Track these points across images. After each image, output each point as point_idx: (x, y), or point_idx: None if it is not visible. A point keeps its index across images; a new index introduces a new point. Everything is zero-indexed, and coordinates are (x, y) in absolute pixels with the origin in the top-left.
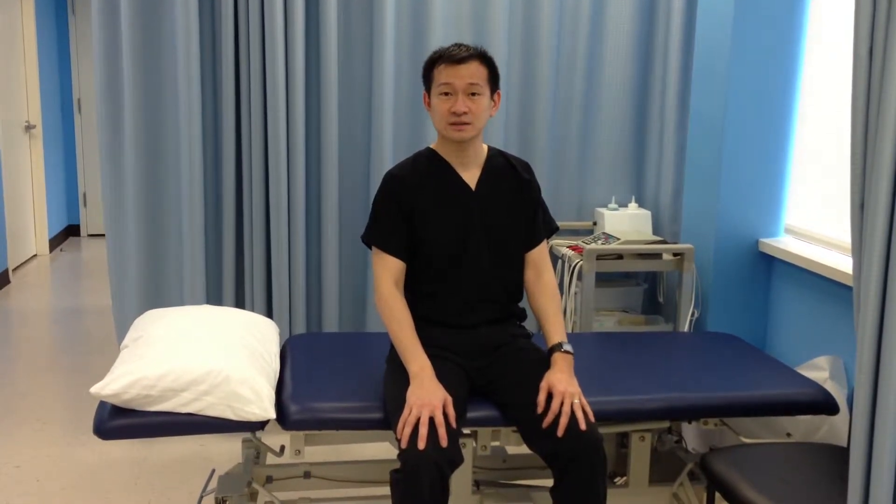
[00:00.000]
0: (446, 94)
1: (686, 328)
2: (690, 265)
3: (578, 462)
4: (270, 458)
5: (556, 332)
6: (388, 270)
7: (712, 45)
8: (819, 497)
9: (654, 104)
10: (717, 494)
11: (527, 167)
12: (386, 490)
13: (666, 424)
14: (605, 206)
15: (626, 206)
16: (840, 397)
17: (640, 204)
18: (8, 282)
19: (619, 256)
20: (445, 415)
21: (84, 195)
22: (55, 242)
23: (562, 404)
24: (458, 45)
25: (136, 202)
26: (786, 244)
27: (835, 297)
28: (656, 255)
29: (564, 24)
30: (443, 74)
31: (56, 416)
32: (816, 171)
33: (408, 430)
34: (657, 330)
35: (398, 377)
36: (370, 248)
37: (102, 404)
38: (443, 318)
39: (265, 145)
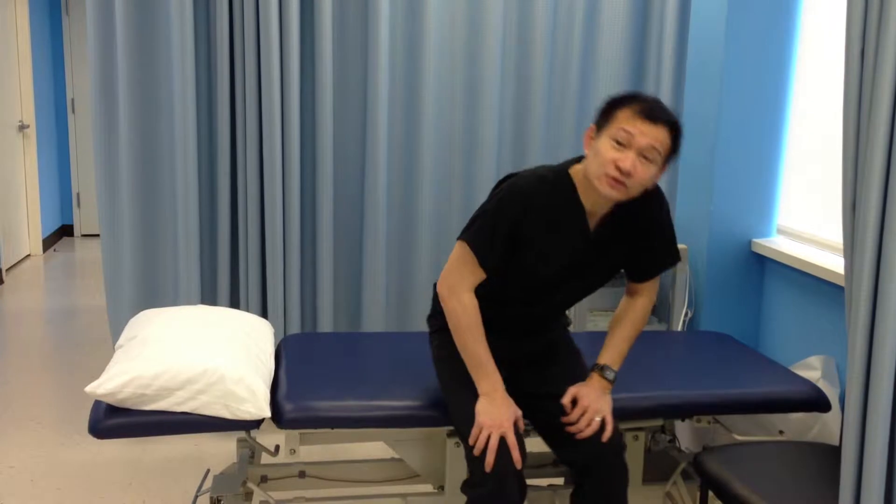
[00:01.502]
0: (620, 143)
1: (679, 328)
2: (684, 265)
3: (598, 469)
4: (265, 458)
5: (611, 355)
6: (473, 276)
7: (705, 46)
8: (811, 495)
9: None
10: (711, 493)
11: (658, 197)
12: (381, 489)
13: (659, 423)
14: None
15: None
16: (832, 397)
17: None
18: (1, 282)
19: None
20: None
21: (78, 195)
22: (49, 242)
23: (583, 416)
24: (657, 102)
25: (131, 202)
26: (778, 244)
27: (827, 297)
28: None
29: (558, 25)
30: (628, 123)
31: (50, 416)
32: (809, 172)
33: (479, 452)
34: (651, 329)
35: (459, 381)
36: (462, 242)
37: (97, 403)
38: (498, 329)
39: (260, 145)
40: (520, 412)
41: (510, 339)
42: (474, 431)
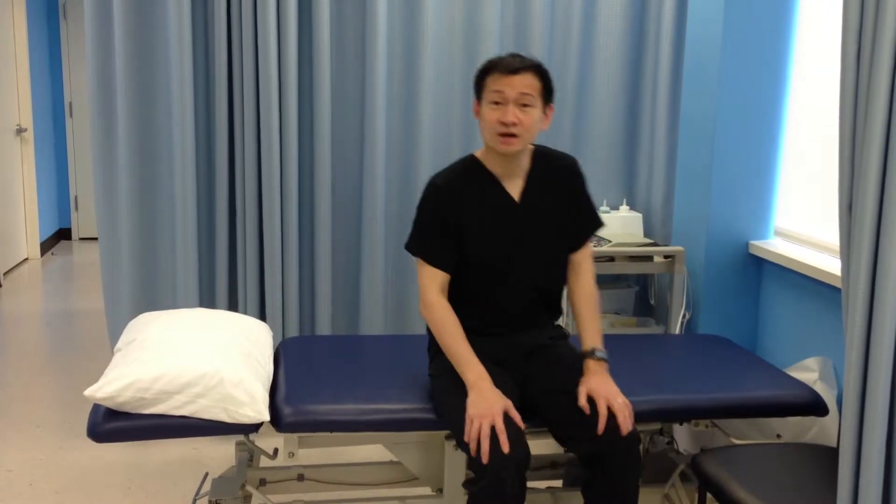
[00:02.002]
0: (497, 103)
1: (677, 330)
2: (681, 267)
3: (614, 460)
4: (264, 461)
5: (590, 336)
6: (434, 280)
7: (702, 48)
8: (809, 497)
9: (644, 108)
10: (709, 495)
11: (573, 165)
12: (379, 492)
13: (657, 426)
14: (596, 208)
15: (617, 208)
16: (830, 398)
17: (632, 207)
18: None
19: (611, 259)
20: (509, 419)
21: (75, 199)
22: (46, 246)
23: (608, 407)
24: (514, 56)
25: (129, 206)
26: (775, 246)
27: (824, 299)
28: (647, 258)
29: (555, 27)
30: (496, 83)
31: (49, 420)
32: (806, 174)
33: (474, 445)
34: (648, 332)
35: (454, 385)
36: (408, 250)
37: (96, 407)
38: (482, 327)
39: (258, 148)
40: (509, 402)
41: (505, 337)
42: (466, 426)
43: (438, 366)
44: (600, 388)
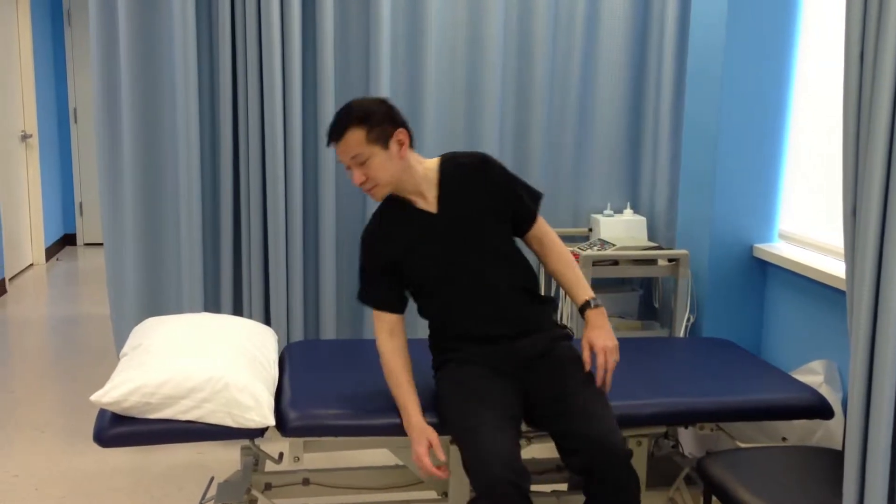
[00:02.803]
0: (348, 167)
1: (682, 333)
2: (686, 271)
3: (608, 477)
4: (269, 466)
5: (580, 291)
6: (383, 324)
7: (706, 51)
8: (815, 500)
9: (648, 111)
10: (714, 498)
11: (482, 160)
12: (384, 496)
13: (662, 429)
14: (600, 212)
15: (621, 212)
16: (835, 401)
17: (636, 210)
18: (5, 291)
19: (615, 262)
20: (493, 437)
21: (80, 204)
22: (51, 252)
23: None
24: (336, 118)
25: (134, 210)
26: (780, 249)
27: (829, 302)
28: (652, 261)
29: (559, 31)
30: (338, 153)
31: (54, 425)
32: (810, 177)
33: (475, 464)
34: (653, 335)
35: (452, 395)
36: (361, 302)
37: (102, 412)
38: (475, 334)
39: (262, 153)
40: (433, 436)
41: (507, 342)
42: (419, 462)
43: (440, 373)
44: (599, 340)
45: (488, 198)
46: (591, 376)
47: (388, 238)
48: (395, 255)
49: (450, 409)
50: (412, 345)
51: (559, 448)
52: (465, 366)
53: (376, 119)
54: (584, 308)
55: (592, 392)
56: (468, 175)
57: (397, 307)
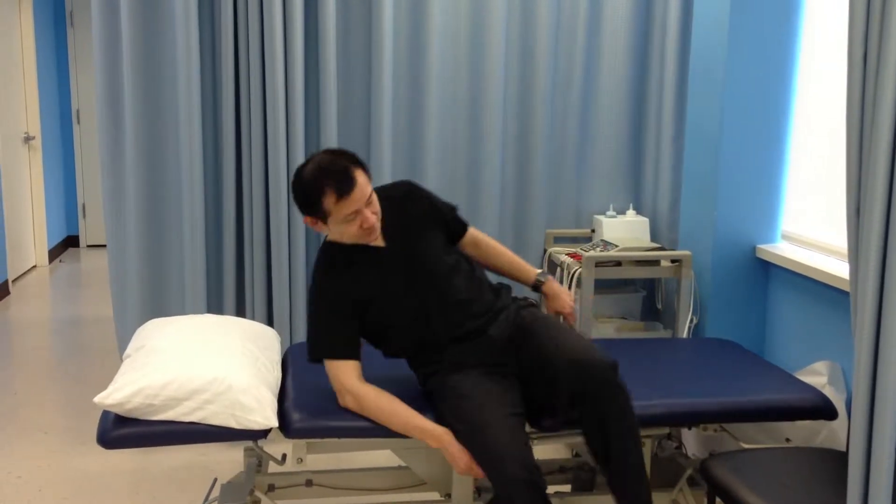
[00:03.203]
0: (354, 215)
1: (685, 334)
2: (688, 272)
3: (593, 390)
4: (272, 467)
5: (525, 272)
6: (352, 371)
7: (708, 53)
8: (818, 501)
9: (651, 112)
10: (718, 500)
11: (408, 188)
12: (388, 497)
13: (666, 430)
14: (603, 213)
15: (624, 213)
16: (839, 402)
17: (638, 211)
18: (8, 293)
19: (618, 263)
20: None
21: (83, 206)
22: (54, 253)
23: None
24: (336, 169)
25: (137, 212)
26: (783, 250)
27: (832, 303)
28: (654, 262)
29: (561, 33)
30: (343, 207)
31: (57, 426)
32: (813, 177)
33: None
34: (656, 336)
35: (451, 397)
36: (317, 357)
37: (105, 414)
38: (451, 337)
39: (265, 153)
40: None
41: (470, 340)
42: (456, 465)
43: (431, 381)
44: (565, 307)
45: (425, 221)
46: (558, 321)
47: (345, 280)
48: (357, 296)
49: (452, 411)
50: (370, 346)
51: (551, 394)
52: (455, 373)
53: (360, 163)
54: (536, 286)
55: (565, 329)
56: (400, 205)
57: (359, 353)
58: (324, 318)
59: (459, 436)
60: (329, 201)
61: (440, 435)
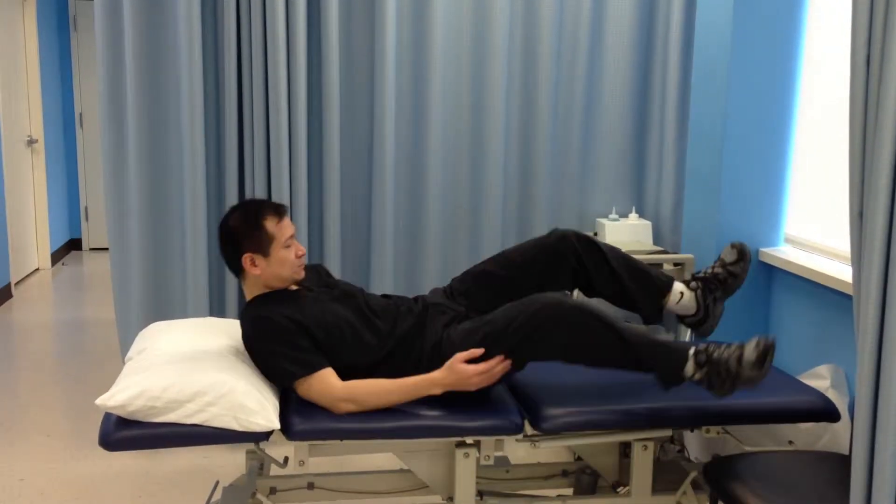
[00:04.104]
0: (289, 245)
1: (687, 338)
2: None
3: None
4: (274, 470)
5: None
6: (333, 377)
7: (711, 55)
8: None
9: (653, 115)
10: (720, 503)
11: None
12: (390, 500)
13: (668, 433)
14: (605, 216)
15: (626, 216)
16: (841, 405)
17: (641, 214)
18: (10, 296)
19: None
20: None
21: (86, 209)
22: (57, 256)
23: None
24: (266, 200)
25: (139, 215)
26: (786, 254)
27: (835, 306)
28: (657, 266)
29: (564, 35)
30: (285, 229)
31: (59, 429)
32: (816, 181)
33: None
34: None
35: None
36: (292, 383)
37: (107, 416)
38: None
39: (267, 157)
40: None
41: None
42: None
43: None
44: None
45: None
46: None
47: (291, 308)
48: (304, 317)
49: (466, 335)
50: None
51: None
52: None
53: None
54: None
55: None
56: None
57: (325, 362)
58: (281, 342)
59: (487, 338)
60: (271, 223)
61: (438, 377)
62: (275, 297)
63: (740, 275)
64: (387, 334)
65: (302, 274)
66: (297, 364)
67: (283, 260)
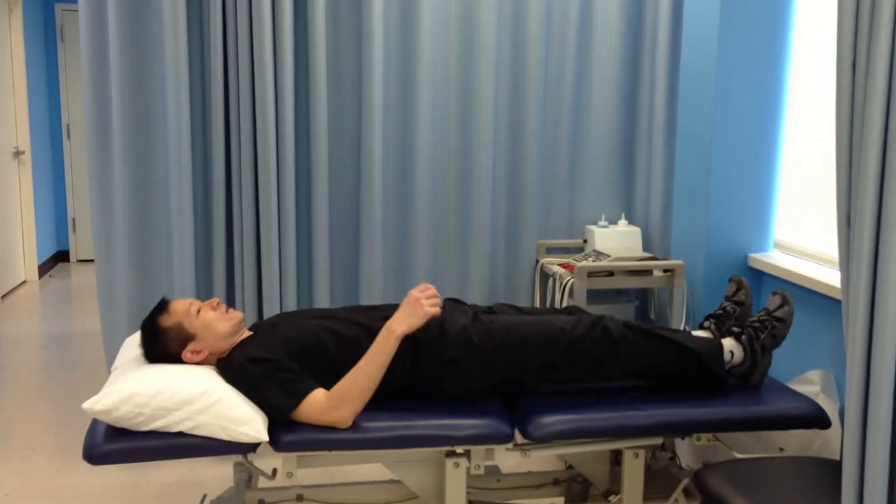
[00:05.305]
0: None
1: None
2: (681, 281)
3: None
4: (262, 482)
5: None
6: (320, 394)
7: (698, 62)
8: None
9: (642, 121)
10: None
11: None
12: None
13: (659, 441)
14: (595, 223)
15: (616, 223)
16: (832, 411)
17: (630, 221)
18: None
19: (610, 273)
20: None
21: (73, 221)
22: (44, 268)
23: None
24: (145, 321)
25: (125, 226)
26: (775, 259)
27: (824, 312)
28: (647, 272)
29: (551, 42)
30: (176, 312)
31: (46, 443)
32: (804, 186)
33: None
34: None
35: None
36: (288, 416)
37: (93, 428)
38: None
39: (255, 167)
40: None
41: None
42: (421, 305)
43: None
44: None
45: None
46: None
47: (266, 340)
48: (277, 346)
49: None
50: None
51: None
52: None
53: None
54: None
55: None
56: None
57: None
58: (276, 367)
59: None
60: (166, 319)
61: (392, 324)
62: (239, 346)
63: (786, 319)
64: (368, 325)
65: (236, 314)
66: (286, 395)
67: (207, 323)
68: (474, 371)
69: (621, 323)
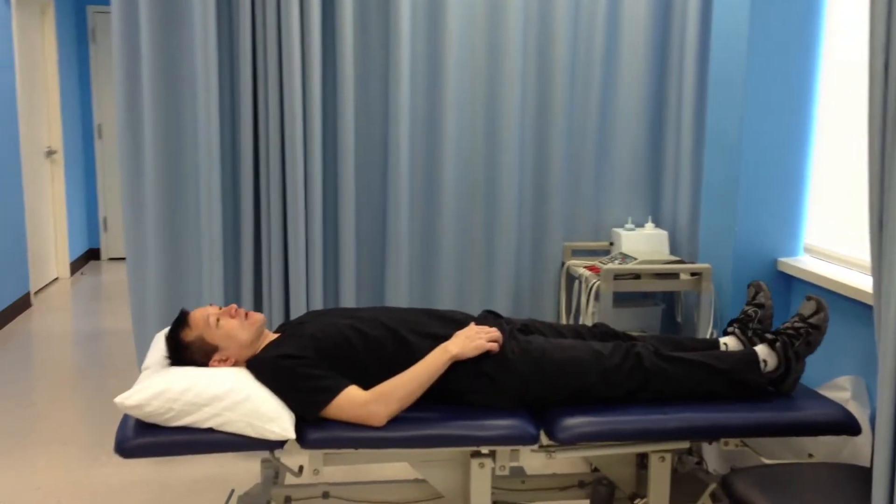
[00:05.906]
0: (232, 315)
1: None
2: (708, 285)
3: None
4: (289, 479)
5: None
6: (355, 391)
7: (728, 63)
8: None
9: (670, 123)
10: None
11: None
12: None
13: (686, 445)
14: (621, 226)
15: (642, 226)
16: (863, 417)
17: (657, 224)
18: (30, 305)
19: (637, 276)
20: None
21: (104, 219)
22: (76, 266)
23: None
24: (169, 333)
25: (156, 225)
26: (805, 263)
27: (856, 317)
28: (674, 275)
29: (579, 44)
30: (197, 325)
31: (76, 438)
32: (835, 190)
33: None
34: None
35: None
36: (320, 412)
37: (124, 422)
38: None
39: (283, 167)
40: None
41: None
42: (479, 337)
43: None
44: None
45: None
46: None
47: (296, 340)
48: (307, 344)
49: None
50: None
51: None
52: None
53: None
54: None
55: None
56: None
57: (349, 378)
58: (303, 370)
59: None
60: (188, 333)
61: (449, 346)
62: (267, 347)
63: (821, 325)
64: (394, 327)
65: (256, 317)
66: (318, 392)
67: (228, 333)
68: (507, 388)
69: (653, 350)
